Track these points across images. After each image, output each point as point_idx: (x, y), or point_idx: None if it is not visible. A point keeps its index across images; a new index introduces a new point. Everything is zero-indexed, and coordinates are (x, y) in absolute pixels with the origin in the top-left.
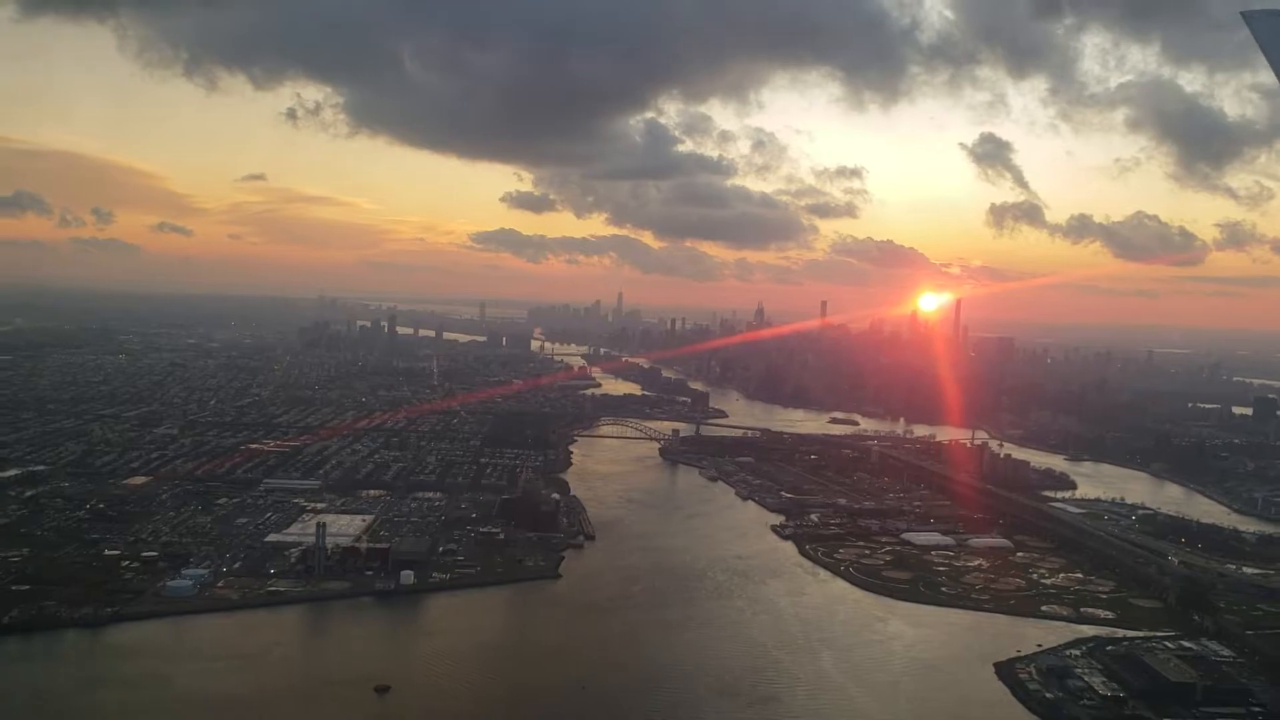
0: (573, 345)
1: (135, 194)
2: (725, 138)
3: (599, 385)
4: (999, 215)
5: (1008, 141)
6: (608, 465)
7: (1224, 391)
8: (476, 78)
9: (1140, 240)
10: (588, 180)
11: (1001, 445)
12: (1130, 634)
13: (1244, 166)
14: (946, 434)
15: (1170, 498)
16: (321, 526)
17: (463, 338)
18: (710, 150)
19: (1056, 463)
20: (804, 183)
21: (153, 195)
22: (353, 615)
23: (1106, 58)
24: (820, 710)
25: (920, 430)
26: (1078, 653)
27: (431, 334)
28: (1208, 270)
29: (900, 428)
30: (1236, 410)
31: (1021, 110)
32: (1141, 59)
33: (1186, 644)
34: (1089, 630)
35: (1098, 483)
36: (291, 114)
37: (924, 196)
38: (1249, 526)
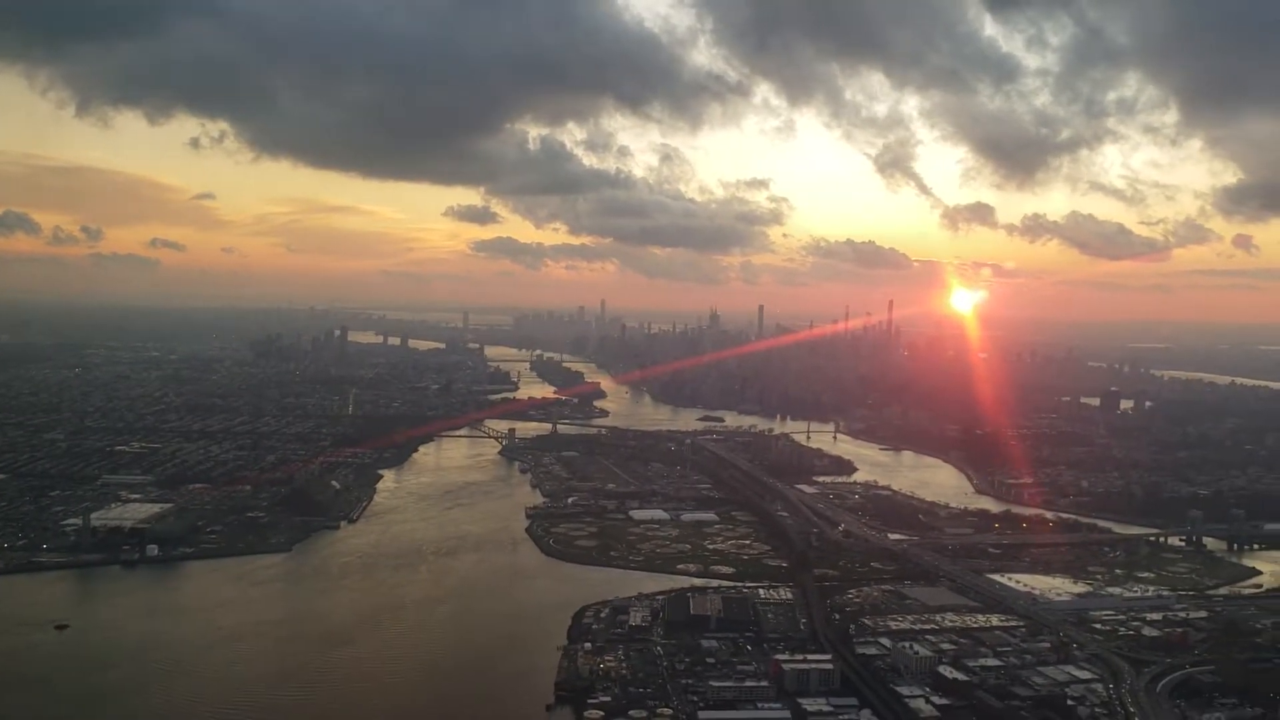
0: (538, 351)
1: (154, 208)
2: (624, 153)
3: (516, 389)
4: (952, 218)
5: (908, 152)
6: (446, 462)
7: (1129, 388)
8: (347, 106)
9: (1083, 238)
10: (502, 195)
11: (835, 438)
12: (728, 584)
13: (1054, 175)
14: (806, 428)
15: (939, 482)
16: (87, 510)
17: (424, 345)
18: (610, 165)
19: (868, 452)
20: (713, 194)
21: (169, 208)
22: (89, 579)
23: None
24: (380, 645)
25: (792, 426)
26: (662, 598)
27: (397, 342)
28: (1197, 264)
29: (777, 425)
30: (1086, 401)
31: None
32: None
33: (763, 591)
34: (697, 582)
35: (887, 470)
36: (195, 143)
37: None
38: (984, 506)
